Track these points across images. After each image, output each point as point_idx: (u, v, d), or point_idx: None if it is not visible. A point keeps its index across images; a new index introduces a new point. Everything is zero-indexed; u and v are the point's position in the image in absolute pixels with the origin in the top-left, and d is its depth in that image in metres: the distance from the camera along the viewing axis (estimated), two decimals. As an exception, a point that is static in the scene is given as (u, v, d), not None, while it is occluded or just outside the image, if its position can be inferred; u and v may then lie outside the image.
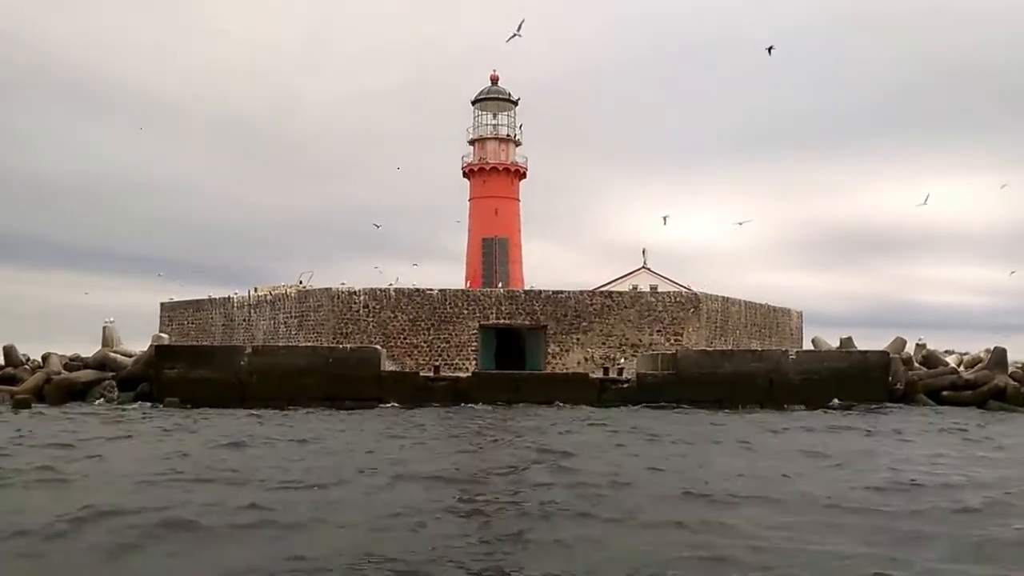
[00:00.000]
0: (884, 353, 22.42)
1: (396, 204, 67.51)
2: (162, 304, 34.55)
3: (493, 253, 38.52)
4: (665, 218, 37.08)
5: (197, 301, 33.24)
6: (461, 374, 22.52)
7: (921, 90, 76.54)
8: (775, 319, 35.61)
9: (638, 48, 78.28)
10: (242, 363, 20.33)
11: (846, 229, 79.03)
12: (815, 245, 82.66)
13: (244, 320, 31.24)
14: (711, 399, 21.08)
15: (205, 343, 30.06)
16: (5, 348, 22.43)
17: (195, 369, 20.06)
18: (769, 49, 28.56)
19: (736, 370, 21.74)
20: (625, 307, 29.40)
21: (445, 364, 28.29)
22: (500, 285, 33.30)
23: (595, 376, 22.37)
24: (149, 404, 19.38)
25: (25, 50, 69.90)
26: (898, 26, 72.44)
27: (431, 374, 21.89)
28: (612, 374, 22.69)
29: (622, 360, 26.34)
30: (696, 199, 74.15)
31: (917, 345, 27.18)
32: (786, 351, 22.48)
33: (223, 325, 31.87)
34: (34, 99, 72.21)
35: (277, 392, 20.11)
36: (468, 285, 35.87)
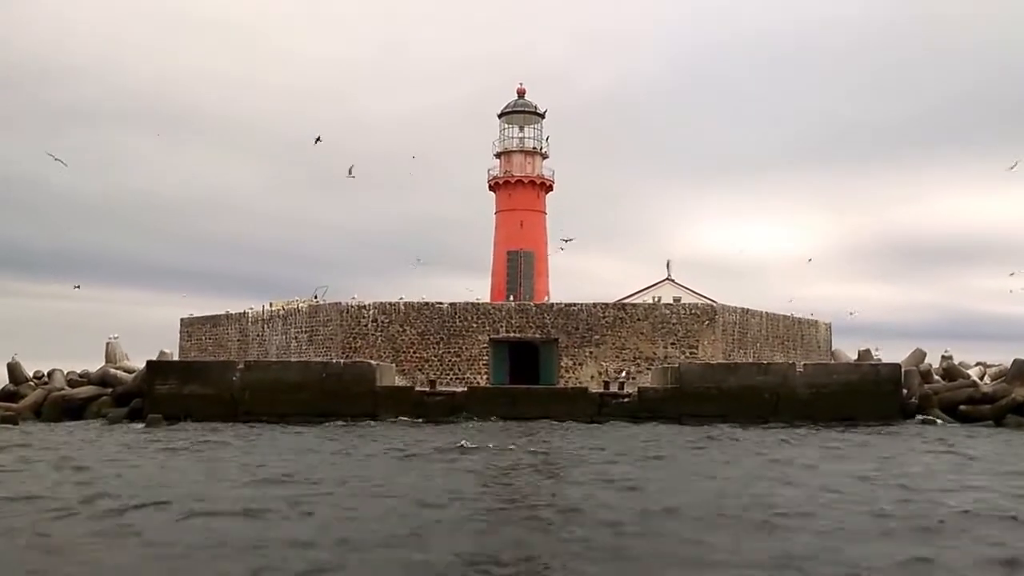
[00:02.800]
0: (896, 366, 21.40)
1: (452, 217, 67.80)
2: (182, 320, 35.00)
3: (518, 266, 38.19)
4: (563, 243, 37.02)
5: (214, 316, 33.58)
6: (457, 389, 22.16)
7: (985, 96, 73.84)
8: (799, 331, 34.47)
9: (685, 60, 77.69)
10: (234, 379, 20.33)
11: (906, 238, 76.96)
12: (875, 255, 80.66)
13: (258, 335, 31.43)
14: (714, 414, 20.37)
15: (222, 359, 30.31)
16: (9, 365, 22.84)
17: (187, 385, 20.11)
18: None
19: (741, 384, 20.98)
20: (639, 319, 28.72)
21: (456, 378, 28.01)
22: (525, 298, 32.95)
23: (594, 391, 21.80)
24: (130, 421, 19.39)
25: (104, 82, 73.16)
26: (958, 28, 70.26)
27: (427, 389, 21.59)
28: (614, 388, 22.06)
29: (623, 374, 25.67)
30: (754, 210, 73.04)
31: (943, 357, 25.96)
32: (793, 364, 21.60)
33: (238, 340, 32.10)
34: (113, 126, 75.37)
35: (270, 408, 20.05)
36: (511, 299, 35.61)
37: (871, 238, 79.41)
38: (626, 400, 21.04)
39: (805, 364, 21.60)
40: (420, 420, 20.06)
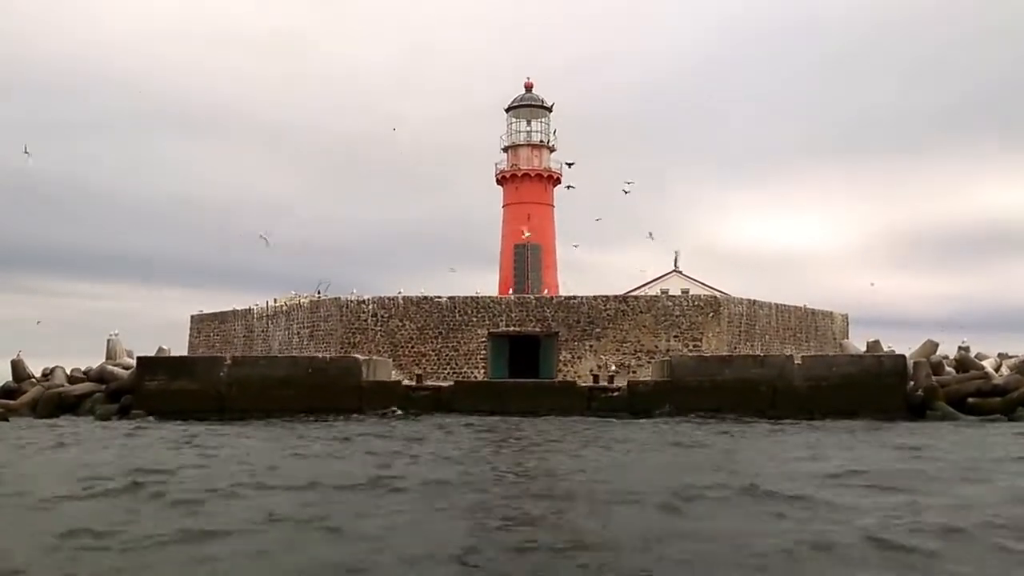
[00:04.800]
0: (900, 357, 20.59)
1: (484, 215, 67.90)
2: (192, 317, 35.30)
3: (525, 259, 37.83)
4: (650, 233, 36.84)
5: (222, 313, 33.79)
6: (443, 383, 21.90)
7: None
8: (813, 322, 33.59)
9: (725, 47, 76.50)
10: (222, 374, 20.30)
11: (948, 229, 75.02)
12: (916, 246, 78.75)
13: (262, 331, 31.54)
14: (708, 409, 19.82)
15: (236, 355, 30.43)
16: (13, 362, 23.12)
17: (175, 381, 20.13)
18: None
19: (736, 377, 20.37)
20: (641, 312, 28.20)
21: (453, 373, 27.77)
22: (546, 292, 32.63)
23: (583, 385, 21.36)
24: (120, 418, 19.49)
25: (143, 86, 74.74)
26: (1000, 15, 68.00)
27: (413, 383, 21.36)
28: (603, 382, 21.60)
29: (612, 367, 25.17)
30: (785, 202, 71.71)
31: (959, 348, 25.01)
32: (791, 356, 20.94)
33: (244, 336, 32.26)
34: (148, 128, 76.95)
35: (256, 403, 19.95)
36: (510, 292, 35.34)
37: (909, 229, 77.55)
38: (615, 394, 20.57)
39: (803, 356, 20.94)
40: (413, 414, 19.83)
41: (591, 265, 65.17)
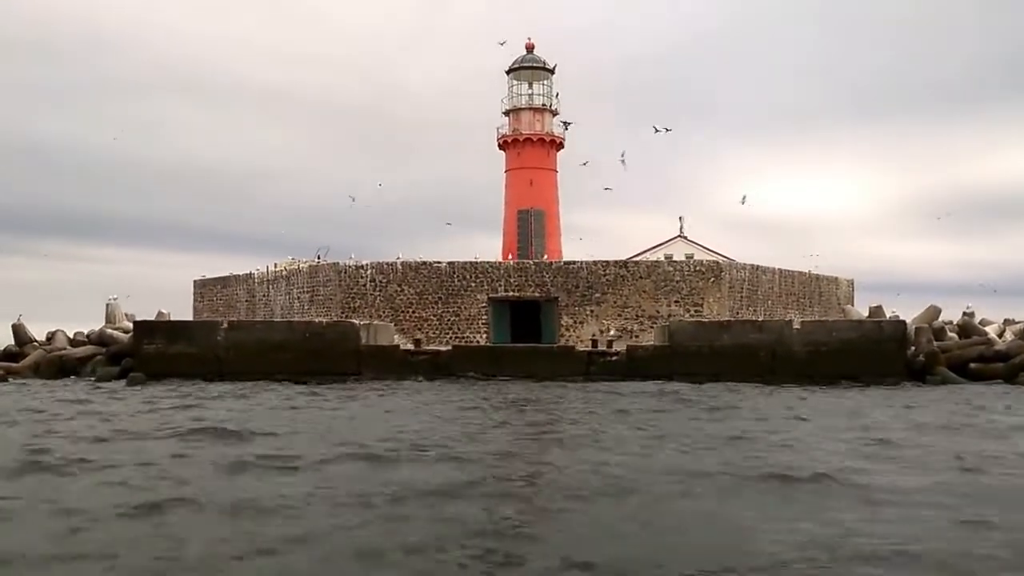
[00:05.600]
0: (901, 323, 20.42)
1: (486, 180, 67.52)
2: (195, 282, 35.29)
3: (529, 225, 37.60)
4: (743, 198, 36.38)
5: (224, 278, 33.76)
6: (442, 348, 21.86)
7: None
8: (817, 288, 33.37)
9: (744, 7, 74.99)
10: (219, 338, 20.32)
11: (972, 196, 74.08)
12: (938, 212, 77.83)
13: (264, 296, 31.53)
14: (707, 373, 19.75)
15: (232, 319, 30.50)
16: (14, 326, 23.22)
17: (173, 345, 20.17)
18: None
19: (735, 342, 20.27)
20: (641, 277, 28.01)
21: (456, 337, 27.74)
22: (543, 257, 32.48)
23: (582, 349, 21.30)
24: (119, 379, 19.58)
25: (150, 51, 74.14)
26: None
27: (411, 347, 21.34)
28: (602, 346, 21.53)
29: (611, 331, 25.08)
30: (808, 167, 70.79)
31: (964, 314, 24.78)
32: (790, 321, 20.79)
33: (246, 301, 32.27)
34: (158, 95, 76.51)
35: (253, 367, 19.99)
36: (510, 258, 35.22)
37: (934, 194, 76.64)
38: (614, 358, 20.51)
39: (803, 321, 20.79)
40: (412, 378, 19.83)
41: (605, 229, 65.07)
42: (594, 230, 64.69)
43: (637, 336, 26.91)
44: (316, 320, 22.79)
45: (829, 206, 77.01)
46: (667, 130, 36.70)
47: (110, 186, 77.52)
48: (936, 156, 75.16)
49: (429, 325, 27.97)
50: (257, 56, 77.17)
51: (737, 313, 28.33)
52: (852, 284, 36.31)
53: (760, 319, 25.70)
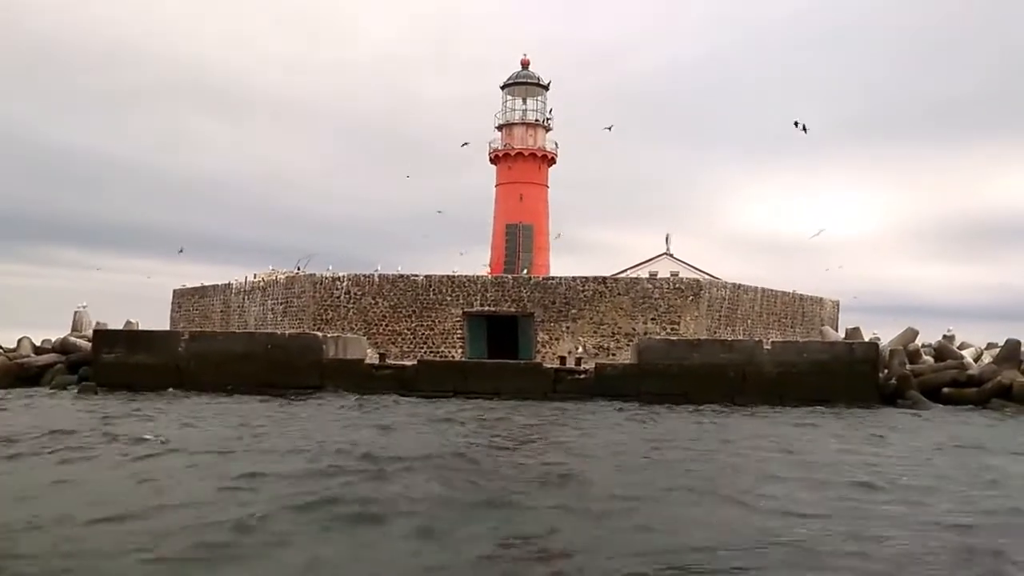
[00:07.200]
0: (872, 345, 20.10)
1: (478, 194, 67.31)
2: (174, 291, 35.03)
3: (517, 239, 37.41)
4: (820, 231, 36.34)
5: (202, 287, 33.49)
6: (408, 362, 21.52)
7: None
8: (801, 308, 33.10)
9: (743, 29, 75.17)
10: (180, 348, 19.99)
11: (974, 219, 73.93)
12: (942, 236, 77.73)
13: (239, 306, 31.23)
14: (676, 393, 19.40)
15: (208, 329, 30.22)
16: (-23, 333, 22.92)
17: (132, 354, 19.82)
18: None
19: (705, 362, 19.91)
20: (619, 294, 27.72)
21: (430, 352, 27.43)
22: (525, 272, 32.24)
23: (549, 366, 20.96)
24: (76, 388, 19.25)
25: (169, 63, 74.57)
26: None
27: (376, 361, 21.00)
28: (571, 363, 21.19)
29: (579, 349, 24.76)
30: (813, 188, 70.63)
31: (944, 337, 24.49)
32: (760, 341, 20.46)
33: (221, 311, 31.97)
34: (180, 106, 76.79)
35: (215, 378, 19.65)
36: (489, 272, 34.98)
37: (939, 217, 76.45)
38: (582, 376, 20.15)
39: (773, 342, 20.47)
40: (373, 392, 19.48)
41: (603, 245, 64.88)
42: (592, 246, 64.57)
43: (614, 354, 26.59)
44: (277, 332, 22.46)
45: (848, 228, 76.92)
46: (609, 127, 37.55)
47: (128, 194, 77.43)
48: (940, 179, 75.07)
49: (403, 339, 27.67)
50: (270, 65, 77.17)
51: (715, 332, 28.02)
52: (837, 305, 36.07)
53: (728, 339, 25.37)
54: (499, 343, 28.36)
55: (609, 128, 38.28)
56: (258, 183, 79.45)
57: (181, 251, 37.66)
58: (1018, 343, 19.89)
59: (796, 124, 29.23)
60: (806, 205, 74.54)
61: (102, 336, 20.28)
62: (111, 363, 19.77)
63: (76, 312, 24.01)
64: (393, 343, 27.42)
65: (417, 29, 77.26)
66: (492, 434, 12.70)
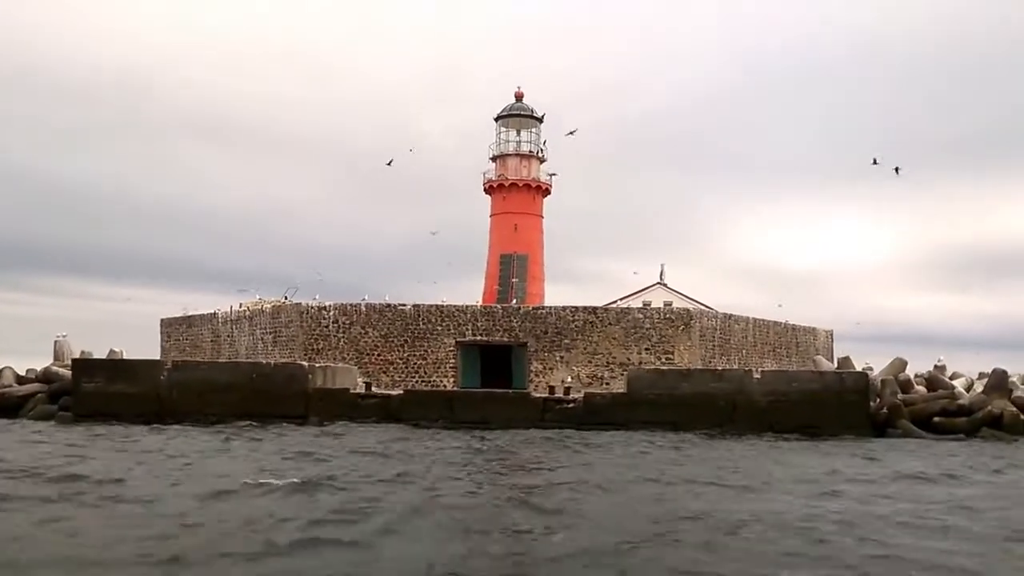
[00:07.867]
0: (862, 375, 19.88)
1: (473, 224, 67.40)
2: (162, 320, 34.77)
3: (511, 269, 37.31)
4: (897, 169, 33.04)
5: (190, 317, 33.25)
6: (394, 392, 21.26)
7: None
8: (794, 338, 32.90)
9: (745, 63, 75.92)
10: (162, 378, 19.74)
11: (978, 250, 74.03)
12: (948, 266, 77.77)
13: (228, 336, 30.99)
14: (666, 422, 19.15)
15: (198, 358, 29.92)
16: (-37, 364, 22.64)
17: (113, 383, 19.56)
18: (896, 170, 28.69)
19: (694, 391, 19.68)
20: (610, 324, 27.54)
21: (422, 381, 27.17)
22: (515, 302, 32.08)
23: (537, 395, 20.71)
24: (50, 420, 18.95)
25: (176, 100, 75.33)
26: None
27: (361, 391, 20.75)
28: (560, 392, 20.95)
29: (568, 378, 24.50)
30: (818, 219, 70.75)
31: (936, 366, 24.30)
32: (750, 371, 20.26)
33: (211, 341, 31.71)
34: (187, 141, 77.40)
35: (198, 408, 19.40)
36: (481, 301, 34.84)
37: (943, 248, 76.49)
38: (571, 405, 19.90)
39: (763, 371, 20.26)
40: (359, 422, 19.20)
41: (596, 274, 64.76)
42: (590, 275, 64.47)
43: (608, 383, 26.33)
44: (262, 361, 22.23)
45: (827, 256, 76.99)
46: (571, 132, 37.07)
47: (116, 221, 77.37)
48: (945, 209, 75.22)
49: (395, 368, 27.40)
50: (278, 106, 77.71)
51: (710, 362, 27.80)
52: (831, 335, 35.88)
53: (712, 368, 25.18)
54: (493, 372, 28.09)
55: (572, 133, 37.98)
56: (252, 212, 79.64)
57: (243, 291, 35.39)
58: (1005, 372, 19.72)
59: (874, 162, 29.80)
60: (808, 237, 74.59)
61: (81, 365, 20.03)
62: (91, 392, 19.51)
63: (56, 341, 23.74)
64: (385, 372, 27.16)
65: (416, 68, 77.92)
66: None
